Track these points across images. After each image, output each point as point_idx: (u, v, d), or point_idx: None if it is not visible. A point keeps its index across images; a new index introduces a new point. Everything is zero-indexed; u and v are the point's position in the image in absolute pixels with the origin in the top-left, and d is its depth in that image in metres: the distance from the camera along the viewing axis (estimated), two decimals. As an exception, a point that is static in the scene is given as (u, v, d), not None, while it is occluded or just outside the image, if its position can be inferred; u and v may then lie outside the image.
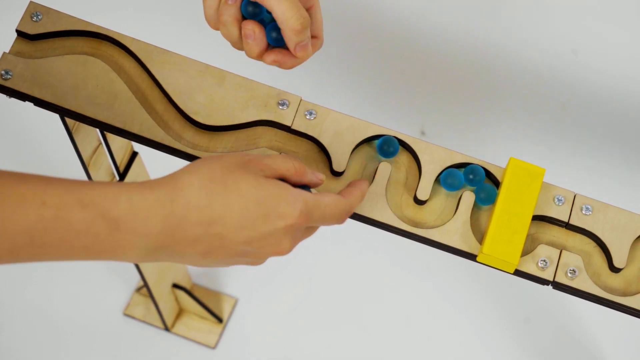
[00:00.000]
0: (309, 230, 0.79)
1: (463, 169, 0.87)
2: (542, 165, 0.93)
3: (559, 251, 0.84)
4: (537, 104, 1.59)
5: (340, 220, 0.79)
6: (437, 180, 0.87)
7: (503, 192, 0.84)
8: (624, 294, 0.84)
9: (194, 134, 0.88)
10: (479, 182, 0.86)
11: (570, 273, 0.83)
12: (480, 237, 0.85)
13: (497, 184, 0.87)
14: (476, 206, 0.86)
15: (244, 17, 0.82)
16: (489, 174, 0.87)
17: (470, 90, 1.60)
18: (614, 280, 0.85)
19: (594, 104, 1.59)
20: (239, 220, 0.73)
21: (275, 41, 0.83)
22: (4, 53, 0.88)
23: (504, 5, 1.65)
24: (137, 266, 1.23)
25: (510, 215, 0.84)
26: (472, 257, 0.85)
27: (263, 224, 0.74)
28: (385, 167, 0.86)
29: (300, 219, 0.75)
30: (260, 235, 0.74)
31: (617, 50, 1.63)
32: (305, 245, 1.50)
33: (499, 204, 0.84)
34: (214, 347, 1.44)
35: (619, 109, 1.59)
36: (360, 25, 1.63)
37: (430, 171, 0.86)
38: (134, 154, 1.09)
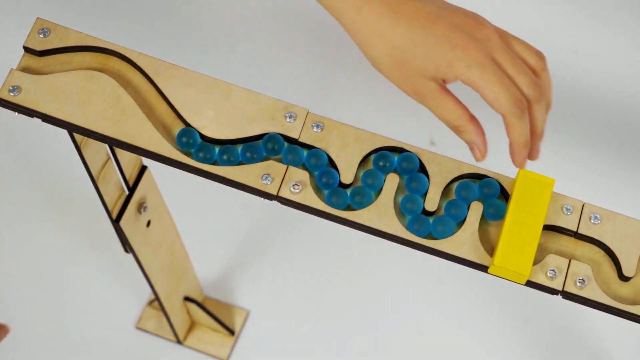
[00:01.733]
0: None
1: (478, 181, 0.87)
2: (549, 173, 0.93)
3: (567, 261, 0.84)
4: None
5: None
6: (446, 190, 0.87)
7: (513, 204, 0.84)
8: (634, 303, 0.83)
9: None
10: (492, 196, 0.86)
11: (579, 282, 0.83)
12: (488, 247, 0.85)
13: (506, 195, 0.86)
14: (484, 217, 0.86)
15: None
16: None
17: (478, 98, 1.59)
18: (623, 289, 0.84)
19: (602, 112, 1.59)
20: None
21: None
22: (12, 70, 0.88)
23: (513, 9, 1.65)
24: (148, 279, 1.23)
25: (520, 227, 0.83)
26: (482, 268, 0.85)
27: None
28: (393, 178, 0.86)
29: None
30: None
31: (626, 57, 1.63)
32: (317, 258, 1.51)
33: (509, 215, 0.84)
34: (226, 360, 1.45)
35: (627, 117, 1.58)
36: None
37: (438, 182, 0.86)
38: (144, 168, 1.09)
